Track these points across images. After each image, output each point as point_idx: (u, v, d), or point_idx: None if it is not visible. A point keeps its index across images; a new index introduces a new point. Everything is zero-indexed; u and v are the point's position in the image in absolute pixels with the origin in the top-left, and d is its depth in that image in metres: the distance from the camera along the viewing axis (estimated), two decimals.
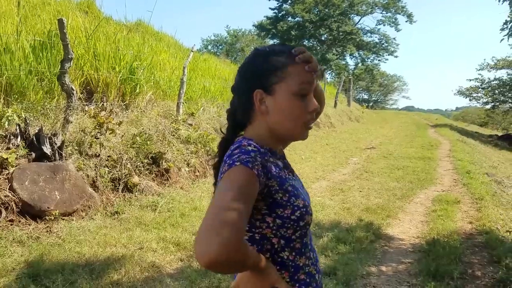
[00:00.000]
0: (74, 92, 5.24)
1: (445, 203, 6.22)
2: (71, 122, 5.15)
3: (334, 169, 8.87)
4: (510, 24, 3.76)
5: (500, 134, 23.21)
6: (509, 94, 21.33)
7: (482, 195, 6.56)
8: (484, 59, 33.04)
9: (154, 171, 5.65)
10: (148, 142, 5.69)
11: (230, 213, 0.88)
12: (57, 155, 4.61)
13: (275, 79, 1.11)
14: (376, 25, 36.71)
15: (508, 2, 3.50)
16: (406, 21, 35.45)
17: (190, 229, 4.34)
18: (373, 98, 55.03)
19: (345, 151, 11.50)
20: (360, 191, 6.94)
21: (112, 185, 4.94)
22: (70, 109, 5.14)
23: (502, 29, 3.86)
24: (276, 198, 1.07)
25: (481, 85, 23.14)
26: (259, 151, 1.05)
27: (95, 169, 4.87)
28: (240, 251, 0.88)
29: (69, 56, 5.12)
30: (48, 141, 4.57)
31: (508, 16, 3.84)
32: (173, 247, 3.89)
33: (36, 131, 4.58)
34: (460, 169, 9.25)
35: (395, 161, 10.21)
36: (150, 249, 3.79)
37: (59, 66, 5.17)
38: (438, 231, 4.88)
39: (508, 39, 3.76)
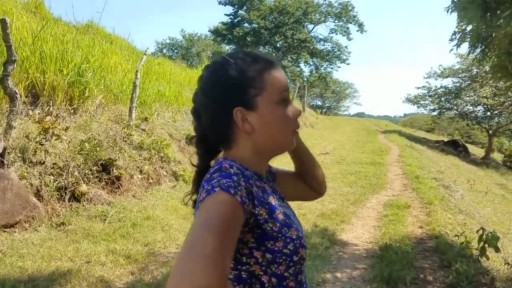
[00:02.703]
0: (18, 95, 4.92)
1: (396, 207, 6.38)
2: (14, 128, 4.84)
3: None
4: (459, 35, 3.91)
5: (446, 139, 24.30)
6: (455, 101, 22.38)
7: (431, 199, 6.79)
8: (431, 68, 34.62)
9: (104, 179, 5.40)
10: (98, 149, 5.44)
11: (210, 254, 0.72)
12: None
13: (255, 91, 0.98)
14: (329, 33, 37.61)
15: (456, 13, 3.64)
16: (358, 30, 36.52)
17: (142, 240, 4.18)
18: (327, 105, 56.22)
19: None
20: None
21: (58, 194, 4.67)
22: (13, 114, 4.82)
23: (451, 40, 3.99)
24: (265, 229, 0.92)
25: (428, 92, 24.18)
26: (242, 174, 0.91)
27: (39, 178, 4.59)
28: None
29: (13, 58, 4.82)
30: None
31: (456, 27, 4.00)
32: (124, 260, 3.71)
33: None
34: (409, 174, 9.56)
35: (348, 166, 10.41)
36: (99, 262, 3.60)
37: (2, 68, 4.85)
38: (390, 236, 4.98)
39: (457, 49, 3.94)
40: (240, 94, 0.98)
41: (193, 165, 1.08)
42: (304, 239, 1.00)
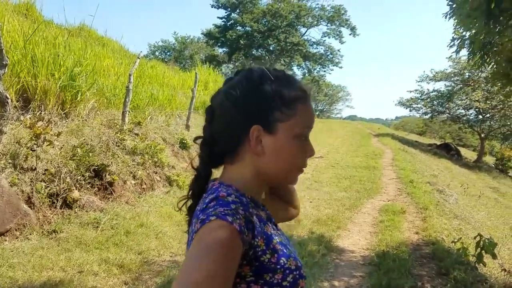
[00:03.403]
0: (9, 100, 4.82)
1: (391, 213, 6.35)
2: (5, 133, 4.73)
3: None
4: (457, 41, 3.90)
5: (438, 143, 24.42)
6: (447, 105, 22.52)
7: (426, 204, 6.77)
8: (424, 71, 34.73)
9: (97, 184, 5.31)
10: (90, 154, 5.35)
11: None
12: None
13: (281, 116, 0.92)
14: (321, 37, 37.77)
15: (454, 18, 3.62)
16: (350, 34, 36.68)
17: (135, 248, 4.09)
18: (319, 108, 56.31)
19: None
20: (311, 202, 6.95)
21: (49, 201, 4.57)
22: (4, 119, 4.72)
23: (450, 46, 3.97)
24: (263, 261, 0.85)
25: (420, 96, 24.29)
26: (241, 203, 0.85)
27: (30, 184, 4.49)
28: None
29: (4, 62, 4.71)
30: None
31: (454, 33, 3.97)
32: (117, 269, 3.63)
33: None
34: (404, 178, 9.55)
35: (342, 171, 10.39)
36: (91, 272, 3.51)
37: None
38: (386, 242, 4.94)
39: (457, 55, 3.92)
40: (265, 113, 0.92)
41: (193, 168, 1.01)
42: (303, 269, 0.94)
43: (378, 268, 4.11)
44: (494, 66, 3.78)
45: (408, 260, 4.32)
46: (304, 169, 0.99)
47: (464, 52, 3.98)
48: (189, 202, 1.00)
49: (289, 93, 0.94)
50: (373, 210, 6.74)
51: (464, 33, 3.84)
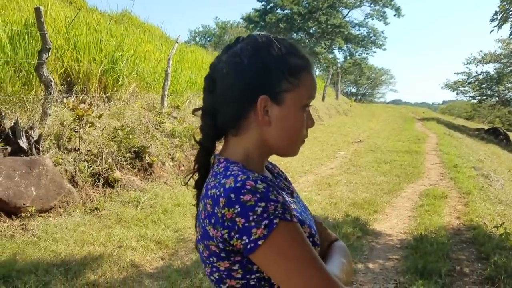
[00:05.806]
0: (53, 83, 5.03)
1: (432, 197, 6.17)
2: (50, 115, 4.96)
3: (321, 163, 8.79)
4: (500, 15, 3.67)
5: (486, 127, 23.38)
6: (496, 88, 21.51)
7: (470, 189, 6.52)
8: (471, 53, 33.26)
9: (137, 165, 5.49)
10: (131, 136, 5.52)
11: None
12: (34, 149, 4.43)
13: (288, 86, 0.90)
14: (364, 18, 36.69)
15: None
16: (395, 15, 35.43)
17: (172, 226, 4.21)
18: (361, 92, 55.02)
19: (333, 144, 11.43)
20: (347, 186, 6.87)
21: (92, 180, 4.78)
22: (48, 101, 4.94)
23: (492, 20, 3.76)
24: None
25: (468, 78, 23.29)
26: (271, 185, 0.83)
27: (74, 164, 4.70)
28: None
29: (47, 46, 4.92)
30: (24, 134, 4.38)
31: (498, 7, 3.75)
32: (154, 245, 3.76)
33: (12, 124, 4.40)
34: (447, 163, 9.23)
35: (382, 155, 10.15)
36: (130, 247, 3.65)
37: (37, 56, 4.96)
38: (425, 226, 4.82)
39: (498, 30, 3.70)
40: (273, 83, 0.90)
41: (196, 141, 0.99)
42: (317, 236, 0.95)
43: (415, 252, 4.03)
44: None
45: (447, 244, 4.20)
46: (305, 140, 0.98)
47: (507, 28, 3.74)
48: (195, 176, 0.99)
49: (295, 62, 0.92)
50: (413, 194, 6.58)
51: (508, 6, 3.62)
